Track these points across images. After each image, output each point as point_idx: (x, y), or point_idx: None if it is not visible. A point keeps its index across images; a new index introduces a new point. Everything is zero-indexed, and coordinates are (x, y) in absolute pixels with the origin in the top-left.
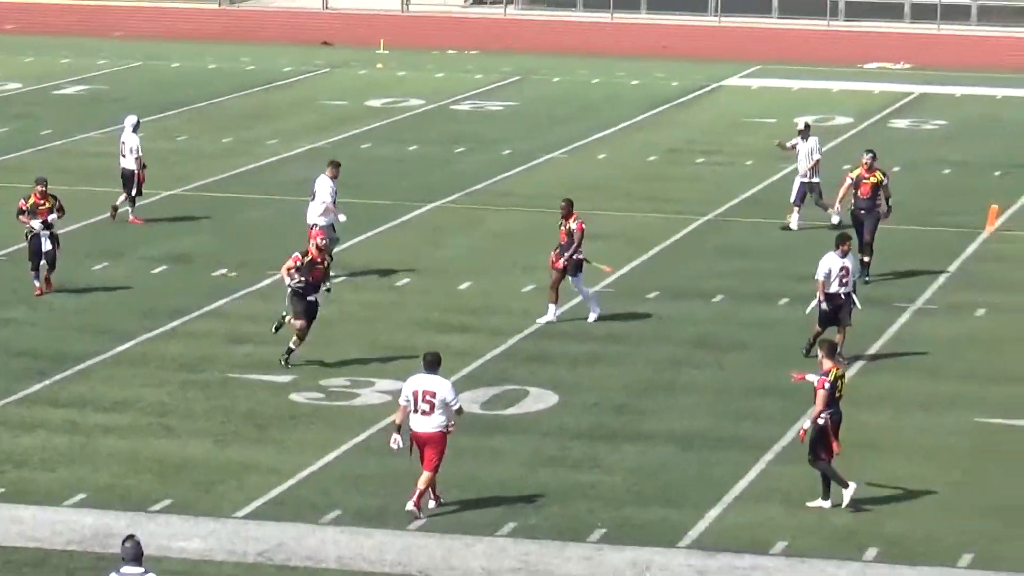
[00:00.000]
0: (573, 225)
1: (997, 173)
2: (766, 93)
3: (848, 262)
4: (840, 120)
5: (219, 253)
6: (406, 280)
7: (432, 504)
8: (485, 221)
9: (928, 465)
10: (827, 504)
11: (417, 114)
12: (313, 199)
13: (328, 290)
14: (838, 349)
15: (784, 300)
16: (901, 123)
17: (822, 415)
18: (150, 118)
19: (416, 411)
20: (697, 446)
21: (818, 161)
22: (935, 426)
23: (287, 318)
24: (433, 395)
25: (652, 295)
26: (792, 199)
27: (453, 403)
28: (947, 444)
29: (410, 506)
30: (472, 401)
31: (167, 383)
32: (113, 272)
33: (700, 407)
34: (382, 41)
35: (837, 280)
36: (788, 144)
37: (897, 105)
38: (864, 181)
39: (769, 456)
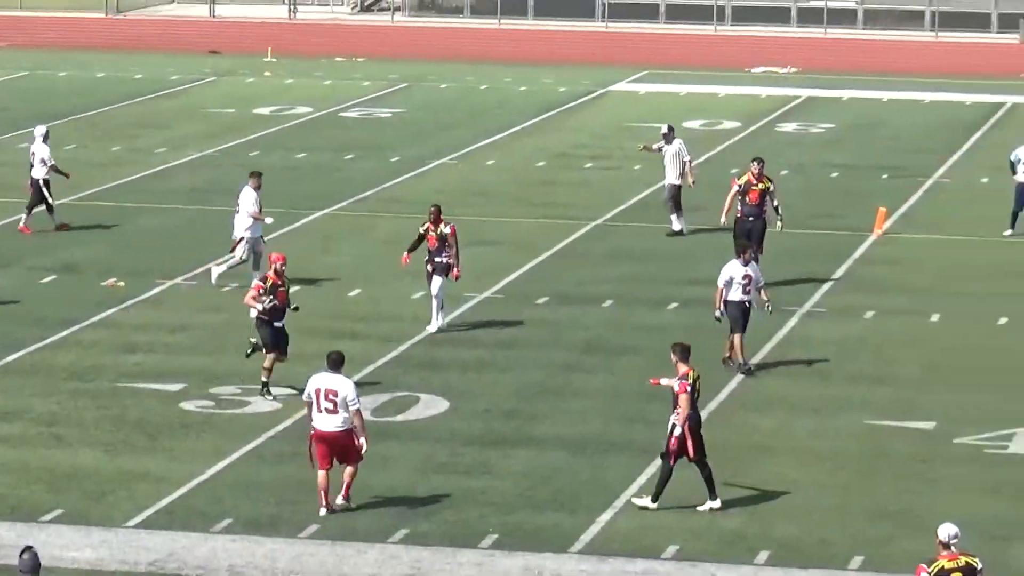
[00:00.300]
0: (446, 230)
1: (884, 176)
2: (654, 98)
3: (750, 270)
4: (728, 124)
5: (109, 262)
6: (296, 288)
7: (322, 511)
8: (374, 228)
9: (819, 468)
10: (717, 504)
11: (305, 121)
12: (239, 211)
13: (295, 308)
14: (732, 355)
15: (673, 304)
16: (788, 127)
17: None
18: None
19: (320, 409)
20: (588, 451)
21: (687, 163)
22: (825, 429)
23: (257, 343)
24: (335, 394)
25: (541, 300)
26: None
27: (353, 403)
28: (837, 447)
29: (340, 499)
30: (363, 408)
31: (57, 392)
32: (2, 282)
33: (591, 412)
34: (270, 49)
35: (740, 288)
36: (653, 147)
37: (784, 109)
38: (753, 188)
39: (659, 461)
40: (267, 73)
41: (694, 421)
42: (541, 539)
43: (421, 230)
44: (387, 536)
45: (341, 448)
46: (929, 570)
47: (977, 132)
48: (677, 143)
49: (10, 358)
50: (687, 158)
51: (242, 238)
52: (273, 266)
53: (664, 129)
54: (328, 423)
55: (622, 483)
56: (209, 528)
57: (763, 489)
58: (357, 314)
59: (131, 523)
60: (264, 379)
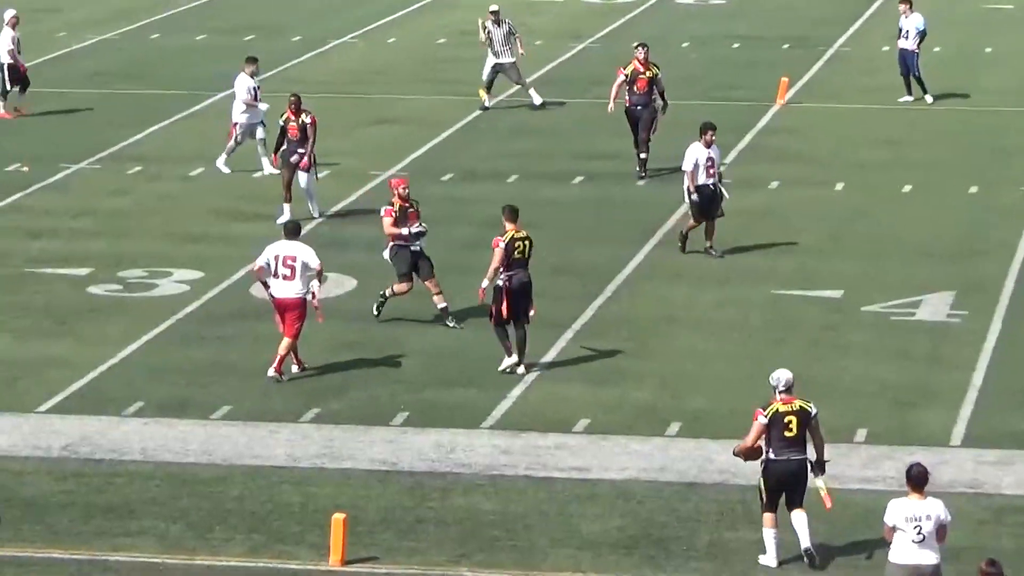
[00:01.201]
0: (307, 120)
1: (786, 46)
2: None
3: (713, 152)
4: None
5: (11, 148)
6: (200, 169)
7: (295, 368)
8: (280, 109)
9: (727, 338)
10: (513, 360)
11: (204, 4)
12: (236, 98)
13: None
14: (712, 241)
15: (578, 179)
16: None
17: (501, 276)
18: None
19: (277, 276)
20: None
21: (519, 39)
22: (733, 299)
23: (387, 291)
24: (294, 259)
25: (447, 177)
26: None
27: (316, 264)
28: (745, 317)
29: (271, 372)
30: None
31: None
32: None
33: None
34: None
35: (704, 171)
36: (482, 38)
37: None
38: (640, 76)
39: (568, 335)
40: None
41: (518, 280)
42: (452, 415)
43: (281, 121)
44: (298, 416)
45: (291, 316)
46: (765, 412)
47: (877, 1)
48: (507, 23)
49: None
50: (517, 33)
51: (236, 123)
52: (396, 191)
53: (493, 7)
54: (286, 290)
55: (532, 358)
56: (121, 412)
57: (673, 361)
58: (262, 196)
59: (42, 408)
60: (387, 292)
